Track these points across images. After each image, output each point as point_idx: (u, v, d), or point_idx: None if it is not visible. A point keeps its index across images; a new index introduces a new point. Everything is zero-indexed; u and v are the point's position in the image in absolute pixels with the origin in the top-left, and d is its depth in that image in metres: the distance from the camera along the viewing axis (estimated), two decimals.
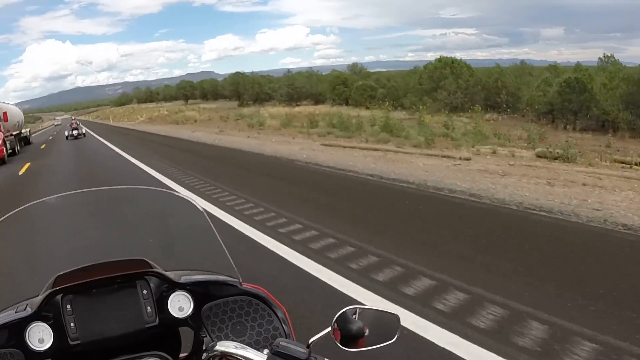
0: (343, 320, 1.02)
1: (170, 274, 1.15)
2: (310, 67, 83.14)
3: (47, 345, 1.05)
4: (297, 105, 54.74)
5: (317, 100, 60.15)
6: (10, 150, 18.63)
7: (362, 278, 3.84)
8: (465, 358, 2.63)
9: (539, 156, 12.52)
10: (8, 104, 23.91)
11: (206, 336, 1.14)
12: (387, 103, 31.93)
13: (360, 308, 1.05)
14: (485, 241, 4.77)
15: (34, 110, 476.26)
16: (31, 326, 1.05)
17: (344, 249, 4.59)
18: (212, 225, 1.34)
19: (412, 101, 39.29)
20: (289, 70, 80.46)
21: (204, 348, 1.09)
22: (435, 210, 6.39)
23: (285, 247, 4.73)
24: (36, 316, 1.05)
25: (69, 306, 1.07)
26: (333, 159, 11.60)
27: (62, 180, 11.83)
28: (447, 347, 2.74)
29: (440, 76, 42.83)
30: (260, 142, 17.56)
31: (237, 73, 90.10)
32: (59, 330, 1.06)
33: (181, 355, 1.18)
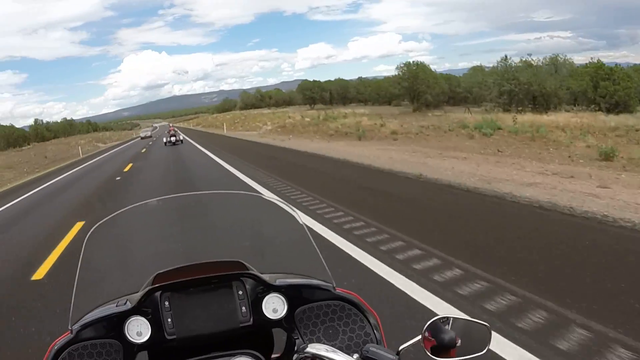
0: (434, 329, 1.00)
1: (265, 277, 1.17)
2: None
3: (145, 338, 1.10)
4: (537, 113, 33.52)
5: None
6: None
7: None
8: None
9: None
10: None
11: (298, 338, 1.14)
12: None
13: (452, 317, 1.02)
14: None
15: (133, 117, 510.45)
16: (130, 320, 1.10)
17: None
18: (306, 229, 1.34)
19: None
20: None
21: (295, 349, 1.09)
22: None
23: None
24: (136, 310, 1.11)
25: (167, 303, 1.11)
26: None
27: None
28: None
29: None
30: None
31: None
32: (156, 325, 1.11)
33: (273, 355, 1.19)
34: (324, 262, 1.25)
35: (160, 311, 1.10)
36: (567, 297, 3.10)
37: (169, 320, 1.10)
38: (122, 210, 1.37)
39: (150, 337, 1.10)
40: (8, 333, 3.32)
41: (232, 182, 10.27)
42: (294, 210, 1.42)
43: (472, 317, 1.09)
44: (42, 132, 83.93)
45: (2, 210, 10.92)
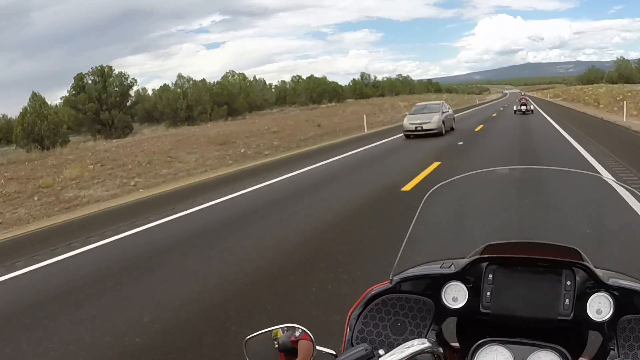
0: None
1: (599, 272, 1.05)
2: None
3: (459, 305, 1.10)
4: None
5: None
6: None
7: None
8: None
9: None
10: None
11: (614, 349, 1.00)
12: None
13: None
14: None
15: (483, 81, 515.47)
16: (450, 283, 1.11)
17: None
18: None
19: None
20: None
21: None
22: None
23: None
24: (458, 276, 1.11)
25: (490, 276, 1.09)
26: None
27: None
28: None
29: None
30: None
31: None
32: (474, 295, 1.09)
33: (581, 358, 1.07)
34: None
35: (482, 282, 1.09)
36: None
37: (488, 293, 1.08)
38: (464, 175, 1.39)
39: (464, 305, 1.10)
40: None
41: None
42: None
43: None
44: (360, 89, 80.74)
45: None
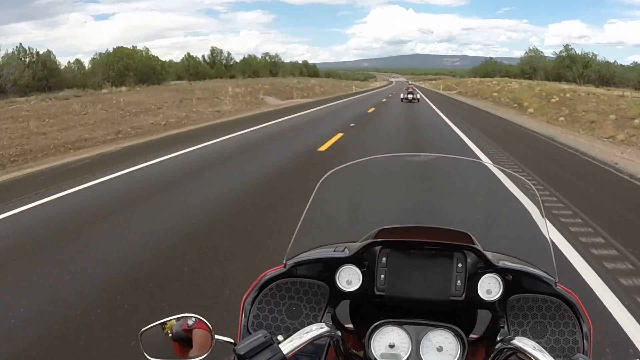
0: None
1: (488, 255, 1.12)
2: None
3: (354, 288, 1.12)
4: None
5: None
6: None
7: None
8: None
9: None
10: None
11: (504, 327, 1.09)
12: None
13: None
14: None
15: (371, 69, 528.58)
16: (344, 267, 1.13)
17: None
18: (544, 214, 1.29)
19: None
20: None
21: (498, 338, 1.06)
22: None
23: None
24: (351, 259, 1.13)
25: (384, 259, 1.11)
26: None
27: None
28: None
29: None
30: None
31: None
32: (368, 278, 1.12)
33: (471, 335, 1.15)
34: (552, 251, 1.17)
35: (375, 265, 1.11)
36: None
37: (382, 276, 1.10)
38: (356, 161, 1.40)
39: (359, 288, 1.12)
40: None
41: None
42: (528, 185, 1.31)
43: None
44: (195, 67, 60.03)
45: None
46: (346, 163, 1.37)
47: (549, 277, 1.12)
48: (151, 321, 0.94)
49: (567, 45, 74.62)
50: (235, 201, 5.82)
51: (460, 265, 1.09)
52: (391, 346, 0.99)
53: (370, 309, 1.13)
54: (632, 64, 67.08)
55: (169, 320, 0.94)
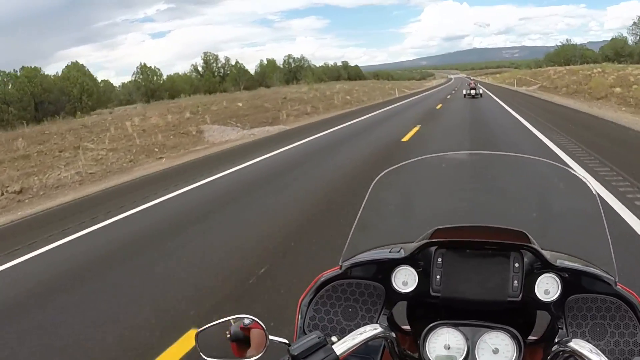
0: None
1: (546, 254, 1.08)
2: None
3: (410, 289, 1.12)
4: None
5: None
6: None
7: None
8: None
9: None
10: None
11: (562, 328, 1.06)
12: None
13: None
14: None
15: (429, 67, 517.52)
16: (400, 268, 1.13)
17: None
18: (602, 211, 1.21)
19: None
20: None
21: (556, 340, 1.02)
22: None
23: None
24: (407, 260, 1.12)
25: (439, 259, 1.10)
26: None
27: None
28: None
29: None
30: None
31: None
32: (423, 279, 1.11)
33: (530, 337, 1.13)
34: (612, 250, 1.12)
35: (431, 266, 1.10)
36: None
37: (438, 277, 1.09)
38: (413, 160, 1.38)
39: (414, 289, 1.11)
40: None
41: None
42: (589, 185, 1.27)
43: None
44: (209, 81, 46.21)
45: None
46: (400, 163, 1.35)
47: (609, 276, 1.08)
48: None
49: None
50: None
51: (517, 265, 1.07)
52: (446, 348, 0.99)
53: (426, 310, 1.12)
54: None
55: (225, 321, 0.96)
